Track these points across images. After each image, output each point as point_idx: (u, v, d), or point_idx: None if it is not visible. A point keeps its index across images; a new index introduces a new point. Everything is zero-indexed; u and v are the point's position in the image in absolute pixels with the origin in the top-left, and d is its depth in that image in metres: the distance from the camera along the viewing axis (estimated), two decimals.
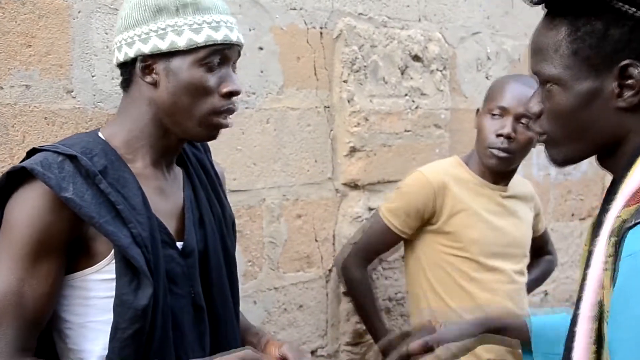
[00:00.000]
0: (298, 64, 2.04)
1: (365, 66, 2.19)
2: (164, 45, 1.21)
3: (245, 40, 1.91)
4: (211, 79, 1.23)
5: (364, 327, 2.13)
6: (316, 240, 2.12)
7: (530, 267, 2.27)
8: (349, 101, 2.15)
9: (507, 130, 1.86)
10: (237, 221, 1.90)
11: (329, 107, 2.13)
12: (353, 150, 2.17)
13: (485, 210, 1.95)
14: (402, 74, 2.31)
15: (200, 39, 1.21)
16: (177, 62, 1.22)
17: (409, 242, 2.01)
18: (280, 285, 2.03)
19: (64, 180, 1.15)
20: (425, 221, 1.95)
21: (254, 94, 1.93)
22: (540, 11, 1.16)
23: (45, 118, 1.51)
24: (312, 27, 2.07)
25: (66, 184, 1.15)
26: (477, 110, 2.01)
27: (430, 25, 2.41)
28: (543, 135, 1.07)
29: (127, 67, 1.27)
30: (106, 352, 1.18)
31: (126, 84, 1.28)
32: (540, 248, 2.28)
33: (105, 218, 1.16)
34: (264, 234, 1.98)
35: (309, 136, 2.08)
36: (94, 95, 1.57)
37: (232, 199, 1.89)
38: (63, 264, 1.19)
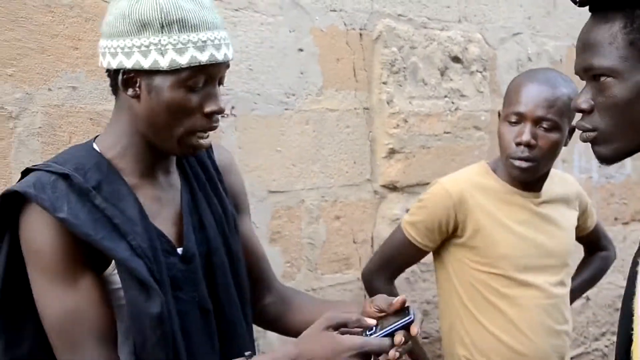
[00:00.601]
0: (337, 66, 2.04)
1: (404, 67, 2.18)
2: (146, 64, 1.17)
3: (286, 41, 1.93)
4: (193, 99, 1.19)
5: None
6: (354, 242, 2.12)
7: (583, 265, 2.18)
8: (388, 103, 2.14)
9: (526, 137, 1.72)
10: (276, 222, 1.92)
11: (368, 109, 2.13)
12: (392, 151, 2.16)
13: (516, 222, 1.81)
14: (442, 75, 2.29)
15: (183, 60, 1.16)
16: (159, 81, 1.18)
17: (437, 254, 1.92)
18: (318, 286, 2.03)
19: (58, 200, 1.15)
20: (449, 234, 1.84)
21: (293, 95, 1.94)
22: (583, 11, 1.15)
23: (91, 119, 1.54)
24: (352, 28, 2.07)
25: (60, 204, 1.14)
26: (498, 113, 1.86)
27: (470, 26, 2.39)
28: (593, 131, 1.06)
29: (112, 74, 1.24)
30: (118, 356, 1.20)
31: (114, 90, 1.26)
32: (592, 244, 2.14)
33: (101, 234, 1.16)
34: (302, 235, 1.98)
35: (347, 137, 2.08)
36: None
37: (271, 200, 1.91)
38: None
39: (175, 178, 1.32)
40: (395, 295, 1.95)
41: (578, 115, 1.76)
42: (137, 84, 1.19)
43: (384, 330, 1.15)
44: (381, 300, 1.24)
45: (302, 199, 1.98)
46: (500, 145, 1.80)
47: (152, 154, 1.25)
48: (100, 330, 1.16)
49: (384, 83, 2.13)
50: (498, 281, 1.80)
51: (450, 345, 1.90)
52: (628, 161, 3.02)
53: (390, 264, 1.93)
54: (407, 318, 1.16)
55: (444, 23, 2.30)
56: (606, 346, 2.95)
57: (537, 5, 2.62)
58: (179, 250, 1.27)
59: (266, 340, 1.84)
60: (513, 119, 1.75)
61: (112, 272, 1.20)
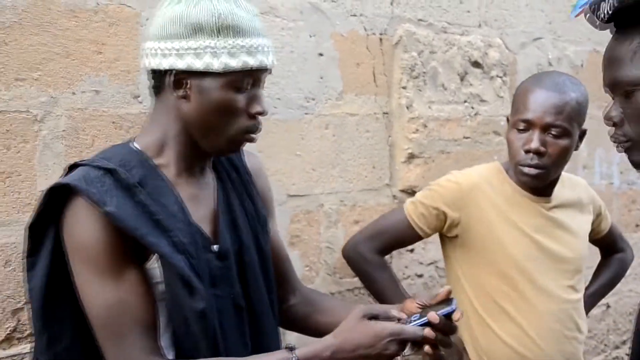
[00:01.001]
0: (357, 70, 2.05)
1: (424, 72, 2.18)
2: (199, 65, 1.21)
3: (306, 46, 1.94)
4: (240, 100, 1.24)
5: None
6: None
7: (600, 269, 2.15)
8: (407, 107, 2.14)
9: (534, 145, 1.70)
10: (295, 226, 1.93)
11: (387, 113, 2.13)
12: (411, 156, 2.16)
13: (526, 225, 1.79)
14: (462, 80, 2.29)
15: (236, 64, 1.21)
16: (209, 82, 1.22)
17: (447, 257, 1.89)
18: (336, 290, 2.03)
19: (106, 194, 1.18)
20: (450, 226, 1.81)
21: (313, 99, 1.95)
22: None
23: (113, 122, 1.55)
24: (372, 33, 2.07)
25: (107, 198, 1.17)
26: (507, 118, 1.83)
27: (490, 31, 2.38)
28: (627, 142, 1.11)
29: (158, 75, 1.27)
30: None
31: (157, 91, 1.29)
32: (609, 246, 2.11)
33: (146, 229, 1.18)
34: (321, 239, 1.99)
35: (367, 142, 2.08)
36: None
37: (290, 204, 1.92)
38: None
39: (210, 178, 1.35)
40: (387, 266, 1.95)
41: (588, 119, 1.77)
42: (187, 85, 1.23)
43: (424, 318, 1.18)
44: (425, 295, 1.29)
45: (321, 203, 1.98)
46: (509, 152, 1.78)
47: (192, 152, 1.29)
48: (144, 321, 1.19)
49: (404, 88, 2.13)
50: (507, 285, 1.78)
51: None
52: None
53: (381, 235, 1.88)
54: (448, 308, 1.19)
55: (464, 28, 2.30)
56: (627, 354, 2.92)
57: (558, 10, 2.60)
58: (214, 247, 1.29)
59: (285, 342, 1.84)
60: (521, 126, 1.73)
61: (152, 266, 1.22)
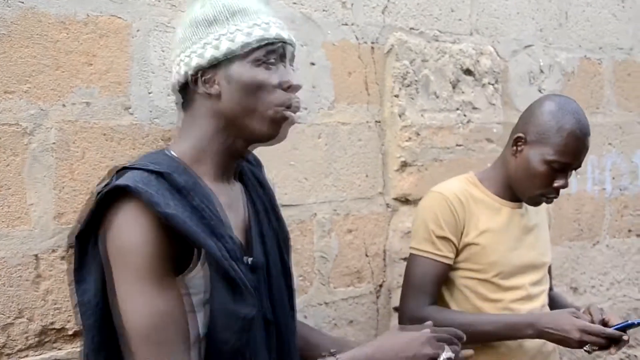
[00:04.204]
0: (349, 79, 2.04)
1: (416, 80, 2.18)
2: (220, 54, 1.23)
3: (298, 55, 1.92)
4: (272, 76, 1.25)
5: None
6: (367, 255, 2.11)
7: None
8: (400, 116, 2.14)
9: (566, 184, 1.82)
10: None
11: (380, 122, 2.13)
12: (404, 165, 2.16)
13: (505, 231, 1.86)
14: (454, 88, 2.29)
15: (253, 39, 1.23)
16: (235, 67, 1.23)
17: (452, 283, 1.90)
18: (330, 300, 2.02)
19: (164, 196, 1.14)
20: (460, 237, 1.83)
21: (305, 109, 1.94)
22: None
23: (104, 134, 1.54)
24: (364, 42, 2.07)
25: (167, 200, 1.14)
26: (520, 137, 1.82)
27: (482, 38, 2.38)
28: None
29: (186, 89, 1.28)
30: None
31: (186, 104, 1.29)
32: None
33: (204, 234, 1.15)
34: (314, 248, 1.98)
35: (360, 151, 2.08)
36: (151, 111, 1.61)
37: (283, 214, 1.89)
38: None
39: (238, 188, 1.34)
40: (441, 308, 1.88)
41: None
42: (216, 82, 1.24)
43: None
44: None
45: (314, 212, 1.98)
46: (533, 183, 1.81)
47: (227, 159, 1.28)
48: (185, 333, 1.14)
49: (396, 96, 2.13)
50: (486, 287, 1.85)
51: None
52: None
53: (421, 289, 1.82)
54: None
55: (455, 36, 2.30)
56: (621, 359, 2.92)
57: (549, 17, 2.61)
58: (248, 259, 1.27)
59: None
60: (556, 165, 1.79)
61: (195, 275, 1.17)
